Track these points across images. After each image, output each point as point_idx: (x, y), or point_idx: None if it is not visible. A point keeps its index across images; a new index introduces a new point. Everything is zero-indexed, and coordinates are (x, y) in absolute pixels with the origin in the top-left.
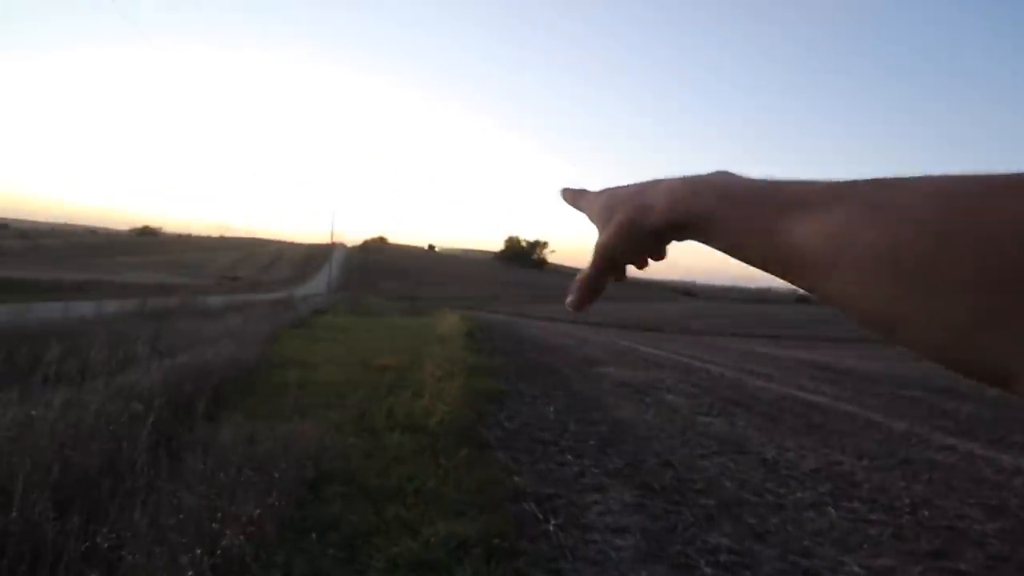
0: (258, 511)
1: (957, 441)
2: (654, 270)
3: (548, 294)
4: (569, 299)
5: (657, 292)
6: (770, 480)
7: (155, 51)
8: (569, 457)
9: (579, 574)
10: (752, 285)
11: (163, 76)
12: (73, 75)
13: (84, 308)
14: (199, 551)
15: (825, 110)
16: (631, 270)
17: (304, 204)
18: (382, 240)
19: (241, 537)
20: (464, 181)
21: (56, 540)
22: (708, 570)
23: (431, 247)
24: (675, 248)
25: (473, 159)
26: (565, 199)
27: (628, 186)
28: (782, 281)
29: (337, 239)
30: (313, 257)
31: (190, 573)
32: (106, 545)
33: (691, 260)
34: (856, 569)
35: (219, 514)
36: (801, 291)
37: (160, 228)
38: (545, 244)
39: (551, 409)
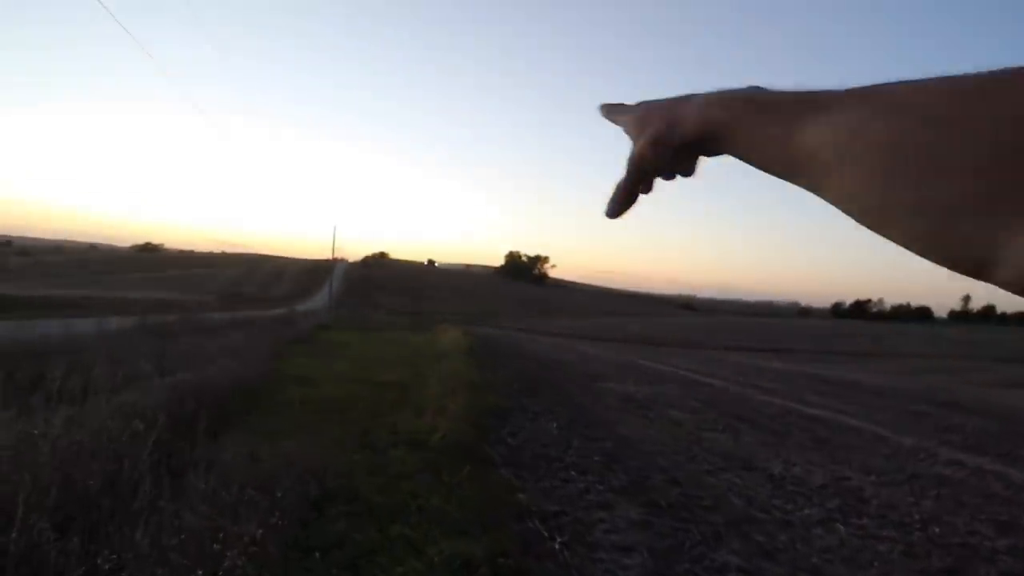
0: (261, 531)
1: (965, 456)
2: (654, 284)
3: (549, 309)
4: (605, 208)
5: (657, 306)
6: (777, 496)
7: (159, 71)
8: (573, 474)
9: None
10: (752, 299)
11: (166, 94)
12: (74, 93)
13: (85, 325)
14: (201, 573)
15: None
16: (633, 284)
17: (305, 220)
18: (383, 256)
19: (244, 558)
20: (465, 197)
21: (56, 561)
22: None
23: (431, 262)
24: (676, 262)
25: (474, 175)
26: (603, 113)
27: (663, 100)
28: (793, 184)
29: (338, 255)
30: (315, 273)
31: None
32: (107, 567)
33: (691, 274)
34: None
35: (221, 534)
36: (802, 304)
37: (161, 244)
38: (546, 259)
39: (554, 425)
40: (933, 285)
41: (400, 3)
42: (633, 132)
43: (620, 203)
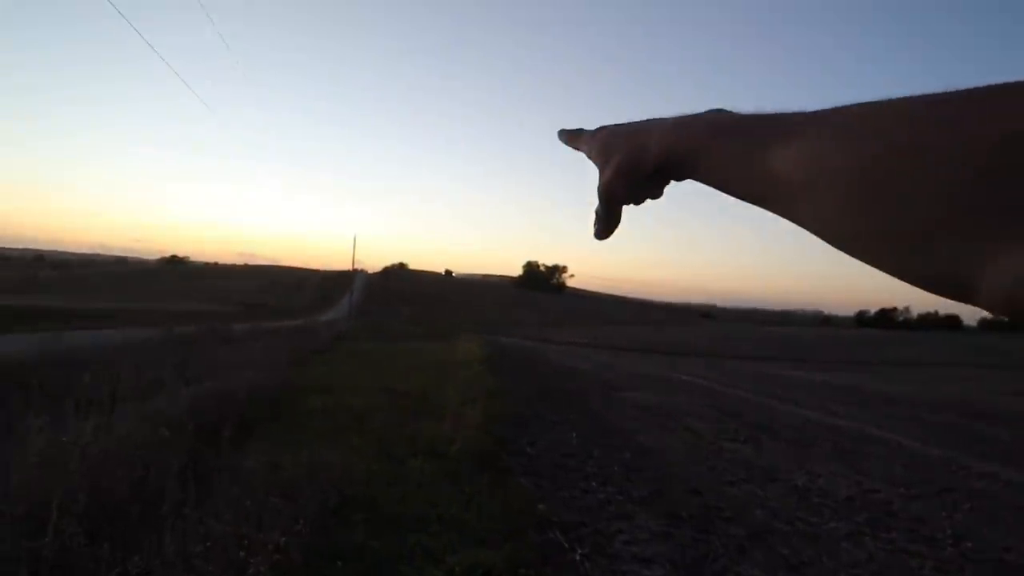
0: (284, 538)
1: (998, 468)
2: (673, 292)
3: (567, 318)
4: (593, 233)
5: (676, 315)
6: (802, 508)
7: (188, 90)
8: (594, 484)
9: None
10: (772, 308)
11: (193, 111)
12: (104, 109)
13: (114, 336)
14: None
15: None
16: (652, 292)
17: (326, 231)
18: (402, 266)
19: (267, 565)
20: (484, 207)
21: (87, 567)
22: None
23: (448, 272)
24: (695, 270)
25: (493, 185)
26: (562, 140)
27: (623, 125)
28: (773, 213)
29: (359, 266)
30: (336, 283)
31: None
32: (135, 572)
33: (711, 283)
34: None
35: (246, 541)
36: (825, 313)
37: (187, 257)
38: (564, 268)
39: (573, 434)
40: None
41: (419, 18)
42: (598, 160)
43: (604, 228)
